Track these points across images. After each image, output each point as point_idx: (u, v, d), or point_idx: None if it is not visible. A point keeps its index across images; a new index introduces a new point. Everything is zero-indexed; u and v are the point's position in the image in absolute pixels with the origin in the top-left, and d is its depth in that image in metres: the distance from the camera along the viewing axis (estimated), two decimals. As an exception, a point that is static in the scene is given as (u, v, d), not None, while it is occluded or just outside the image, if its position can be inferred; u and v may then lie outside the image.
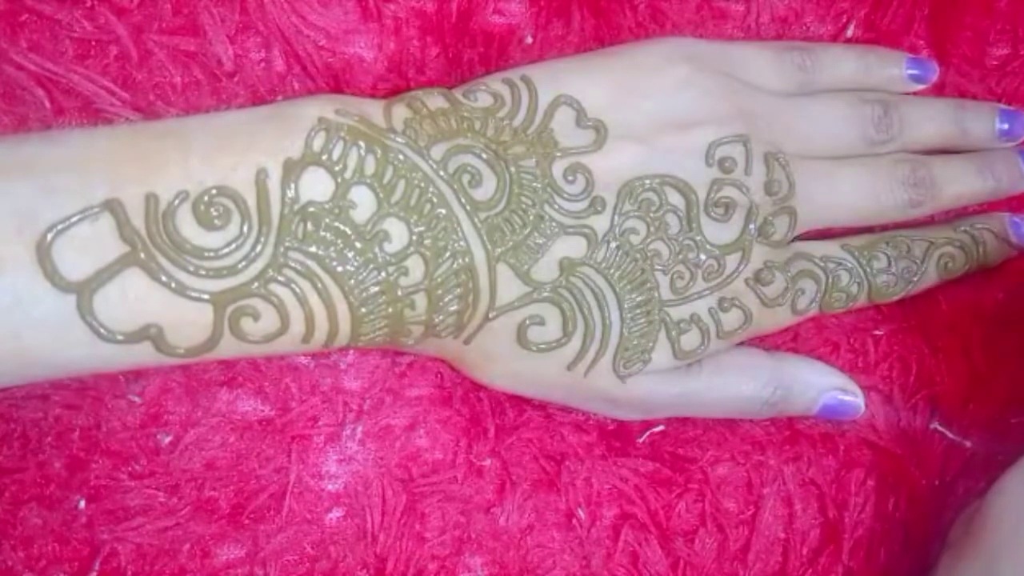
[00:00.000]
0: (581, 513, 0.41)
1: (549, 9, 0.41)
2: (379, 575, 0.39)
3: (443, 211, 0.34)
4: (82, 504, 0.37)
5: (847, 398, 0.42)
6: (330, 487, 0.39)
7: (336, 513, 0.39)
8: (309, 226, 0.32)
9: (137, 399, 0.38)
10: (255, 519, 0.39)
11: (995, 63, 0.45)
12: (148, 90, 0.37)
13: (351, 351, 0.40)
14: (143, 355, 0.32)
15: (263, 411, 0.39)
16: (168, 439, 0.38)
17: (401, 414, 0.40)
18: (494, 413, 0.41)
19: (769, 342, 0.43)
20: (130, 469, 0.38)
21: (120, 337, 0.31)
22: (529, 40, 0.41)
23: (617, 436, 0.42)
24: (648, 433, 0.42)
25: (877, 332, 0.44)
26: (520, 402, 0.41)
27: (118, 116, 0.37)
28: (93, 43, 0.37)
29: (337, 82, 0.39)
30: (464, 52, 0.40)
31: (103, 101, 0.37)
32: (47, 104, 0.37)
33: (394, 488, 0.39)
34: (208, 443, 0.38)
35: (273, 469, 0.39)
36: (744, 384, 0.40)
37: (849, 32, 0.44)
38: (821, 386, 0.41)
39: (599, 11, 0.41)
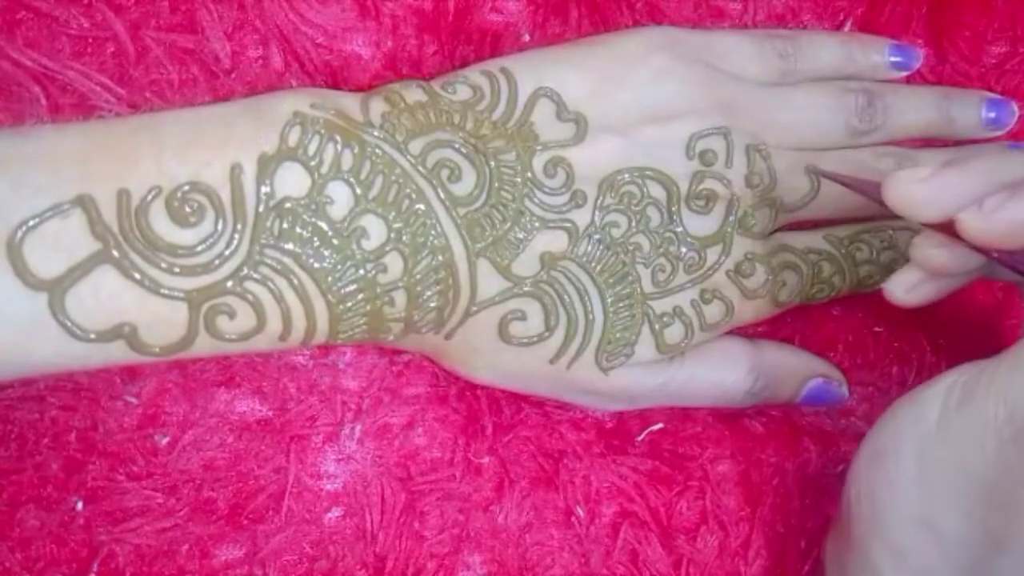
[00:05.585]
0: (580, 511, 0.40)
1: (546, 7, 0.39)
2: (378, 574, 0.38)
3: (422, 207, 0.33)
4: (80, 505, 0.36)
5: (831, 385, 0.41)
6: (329, 487, 0.38)
7: (335, 512, 0.38)
8: (285, 223, 0.31)
9: (134, 400, 0.37)
10: (254, 519, 0.37)
11: (993, 61, 0.43)
12: (145, 87, 0.36)
13: (349, 350, 0.38)
14: (117, 353, 0.31)
15: (261, 411, 0.38)
16: (166, 440, 0.37)
17: (399, 413, 0.39)
18: (491, 411, 0.39)
19: (769, 338, 0.41)
20: (128, 470, 0.37)
21: (93, 336, 0.30)
22: (526, 38, 0.39)
23: (616, 434, 0.41)
24: (647, 431, 0.41)
25: (877, 329, 0.43)
26: (517, 400, 0.40)
27: (114, 113, 0.36)
28: (90, 40, 0.36)
29: (335, 80, 0.38)
30: (461, 50, 0.39)
31: (99, 98, 0.36)
32: (43, 101, 0.35)
33: (393, 487, 0.38)
34: (206, 444, 0.37)
35: (272, 469, 0.38)
36: (727, 374, 0.39)
37: (846, 31, 0.42)
38: (804, 373, 0.40)
39: (596, 8, 0.39)
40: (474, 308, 0.34)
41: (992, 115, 0.42)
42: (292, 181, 0.31)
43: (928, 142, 0.43)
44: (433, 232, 0.33)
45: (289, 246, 0.31)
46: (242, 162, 0.31)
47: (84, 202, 0.29)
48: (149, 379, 0.37)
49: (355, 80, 0.38)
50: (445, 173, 0.34)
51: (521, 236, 0.35)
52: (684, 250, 0.37)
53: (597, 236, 0.36)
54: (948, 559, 0.30)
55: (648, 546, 0.40)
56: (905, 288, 0.35)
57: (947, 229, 0.31)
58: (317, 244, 0.31)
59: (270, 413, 0.38)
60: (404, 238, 0.33)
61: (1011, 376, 0.29)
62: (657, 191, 0.37)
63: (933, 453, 0.30)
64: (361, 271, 0.32)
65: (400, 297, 0.33)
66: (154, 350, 0.31)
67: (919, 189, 0.32)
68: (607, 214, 0.36)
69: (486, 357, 0.36)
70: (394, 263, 0.33)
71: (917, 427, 0.31)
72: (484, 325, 0.35)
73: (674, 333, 0.37)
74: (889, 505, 0.32)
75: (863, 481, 0.33)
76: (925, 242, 0.33)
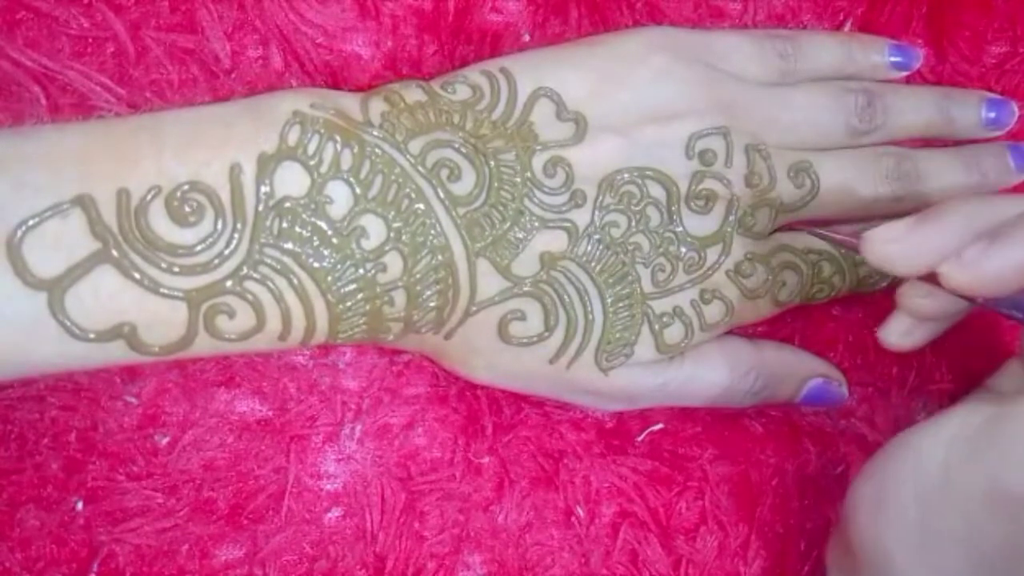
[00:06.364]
0: (580, 511, 0.40)
1: (546, 7, 0.39)
2: (378, 574, 0.38)
3: (421, 206, 0.33)
4: (80, 505, 0.36)
5: (831, 385, 0.41)
6: (329, 487, 0.38)
7: (335, 513, 0.38)
8: (284, 222, 0.31)
9: (134, 400, 0.37)
10: (254, 519, 0.37)
11: (993, 61, 0.43)
12: (145, 87, 0.36)
13: (349, 350, 0.38)
14: (117, 353, 0.30)
15: (261, 411, 0.38)
16: (166, 440, 0.37)
17: (399, 413, 0.39)
18: (491, 411, 0.39)
19: (769, 338, 0.41)
20: (128, 470, 0.37)
21: (92, 336, 0.30)
22: (526, 38, 0.39)
23: (615, 434, 0.40)
24: (647, 431, 0.41)
25: (877, 329, 0.42)
26: (517, 400, 0.40)
27: (114, 113, 0.36)
28: (90, 40, 0.36)
29: (335, 80, 0.38)
30: (461, 50, 0.39)
31: (99, 98, 0.36)
32: (43, 101, 0.35)
33: (393, 487, 0.38)
34: (206, 444, 0.37)
35: (272, 469, 0.38)
36: (727, 374, 0.39)
37: (846, 31, 0.42)
38: (803, 373, 0.40)
39: (596, 8, 0.39)
40: (474, 308, 0.34)
41: (992, 115, 0.42)
42: (292, 181, 0.31)
43: (928, 142, 0.42)
44: (433, 232, 0.33)
45: (289, 246, 0.31)
46: (242, 162, 0.31)
47: (84, 202, 0.29)
48: (149, 379, 0.37)
49: (355, 80, 0.38)
50: (445, 173, 0.33)
51: (521, 236, 0.35)
52: (684, 250, 0.37)
53: (597, 236, 0.36)
54: None
55: (648, 546, 0.40)
56: (899, 335, 0.36)
57: (932, 279, 0.32)
58: (317, 244, 0.31)
59: (270, 413, 0.38)
60: (404, 238, 0.33)
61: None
62: (657, 191, 0.36)
63: (936, 504, 0.31)
64: (361, 271, 0.32)
65: (400, 297, 0.33)
66: (154, 350, 0.31)
67: (896, 249, 0.32)
68: (607, 214, 0.36)
69: (486, 357, 0.36)
70: (394, 263, 0.33)
71: (918, 477, 0.31)
72: (484, 325, 0.35)
73: (674, 333, 0.37)
74: (895, 549, 0.32)
75: (867, 526, 0.33)
76: (911, 292, 0.34)
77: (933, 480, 0.30)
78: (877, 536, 0.32)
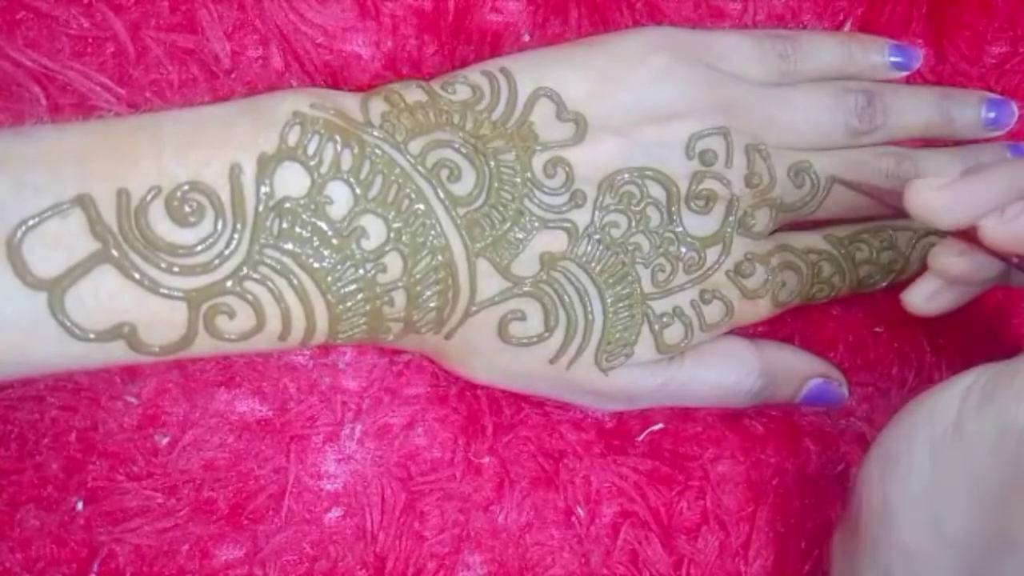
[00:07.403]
0: (580, 511, 0.39)
1: (546, 7, 0.39)
2: (378, 574, 0.38)
3: (421, 207, 0.33)
4: (80, 506, 0.36)
5: (831, 385, 0.40)
6: (329, 487, 0.38)
7: (335, 513, 0.38)
8: (284, 223, 0.31)
9: (134, 400, 0.37)
10: (254, 519, 0.37)
11: (993, 61, 0.43)
12: (145, 87, 0.36)
13: (349, 350, 0.38)
14: (117, 353, 0.30)
15: (261, 411, 0.38)
16: (166, 440, 0.37)
17: (399, 413, 0.39)
18: (491, 411, 0.39)
19: (769, 338, 0.41)
20: (128, 470, 0.37)
21: (92, 336, 0.30)
22: (526, 38, 0.39)
23: (616, 434, 0.40)
24: (647, 431, 0.41)
25: (877, 329, 0.42)
26: (517, 400, 0.40)
27: (114, 113, 0.36)
28: (90, 40, 0.36)
29: (335, 80, 0.38)
30: (461, 50, 0.39)
31: (99, 98, 0.36)
32: (43, 101, 0.35)
33: (393, 487, 0.38)
34: (206, 444, 0.37)
35: (272, 469, 0.38)
36: (727, 374, 0.39)
37: (846, 31, 0.42)
38: (804, 374, 0.40)
39: (596, 8, 0.39)
40: (474, 308, 0.34)
41: (992, 115, 0.42)
42: (292, 181, 0.31)
43: (928, 142, 0.42)
44: (433, 232, 0.33)
45: (289, 246, 0.31)
46: (242, 162, 0.31)
47: (84, 202, 0.29)
48: (149, 379, 0.37)
49: (355, 80, 0.38)
50: (445, 173, 0.33)
51: (521, 236, 0.34)
52: (684, 250, 0.37)
53: (597, 236, 0.36)
54: (957, 559, 0.31)
55: (648, 546, 0.40)
56: (924, 297, 0.36)
57: (967, 236, 0.32)
58: (317, 244, 0.31)
59: (270, 413, 0.38)
60: (404, 238, 0.32)
61: None
62: (657, 191, 0.36)
63: (946, 456, 0.31)
64: (361, 271, 0.32)
65: (400, 297, 0.33)
66: (154, 350, 0.31)
67: (941, 197, 0.32)
68: (607, 214, 0.36)
69: (486, 357, 0.36)
70: (394, 263, 0.33)
71: (931, 429, 0.31)
72: (484, 325, 0.35)
73: (674, 333, 0.37)
74: (900, 506, 0.32)
75: (875, 482, 0.33)
76: (945, 251, 0.34)
77: (946, 433, 0.31)
78: (884, 495, 0.32)
